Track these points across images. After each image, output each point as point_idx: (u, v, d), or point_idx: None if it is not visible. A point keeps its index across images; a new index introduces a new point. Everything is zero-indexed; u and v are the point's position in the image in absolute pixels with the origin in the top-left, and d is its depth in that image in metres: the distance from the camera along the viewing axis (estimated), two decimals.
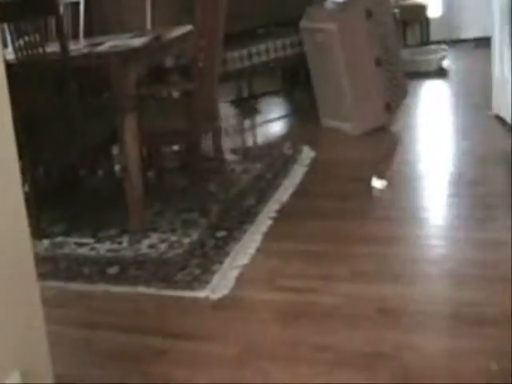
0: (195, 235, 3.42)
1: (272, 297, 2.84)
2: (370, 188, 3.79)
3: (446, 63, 6.78)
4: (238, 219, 3.58)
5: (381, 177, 3.83)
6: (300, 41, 5.39)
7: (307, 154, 4.51)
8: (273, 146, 4.92)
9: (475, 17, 7.42)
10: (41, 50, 3.37)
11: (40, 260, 3.26)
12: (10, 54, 3.36)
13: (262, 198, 3.83)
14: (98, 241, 3.50)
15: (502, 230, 3.12)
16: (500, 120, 4.61)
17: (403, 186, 3.88)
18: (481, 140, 4.49)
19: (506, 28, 4.37)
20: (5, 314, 1.77)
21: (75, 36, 4.57)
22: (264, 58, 5.60)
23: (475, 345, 2.32)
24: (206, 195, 3.82)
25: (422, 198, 3.78)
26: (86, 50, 3.63)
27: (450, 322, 2.53)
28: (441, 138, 4.71)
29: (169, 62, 4.84)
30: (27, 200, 1.94)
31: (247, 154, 4.70)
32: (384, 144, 4.64)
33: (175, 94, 4.49)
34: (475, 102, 5.31)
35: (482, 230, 3.17)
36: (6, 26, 3.33)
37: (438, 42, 7.54)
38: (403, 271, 2.91)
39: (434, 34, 7.83)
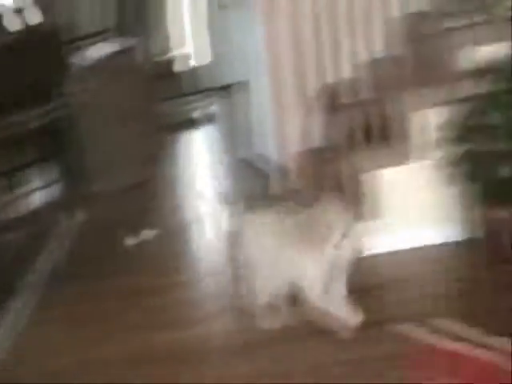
0: None
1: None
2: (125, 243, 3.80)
3: (205, 111, 6.88)
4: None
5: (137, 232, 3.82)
6: (63, 105, 5.23)
7: (76, 217, 4.44)
8: (37, 214, 4.83)
9: (235, 63, 7.61)
10: None
11: None
12: None
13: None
14: None
15: None
16: (261, 158, 4.70)
17: (164, 237, 3.90)
18: (240, 181, 4.57)
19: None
20: None
21: None
22: (27, 126, 5.33)
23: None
24: None
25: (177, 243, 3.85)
26: None
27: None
28: (197, 185, 4.80)
29: None
30: None
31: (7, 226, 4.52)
32: (142, 198, 4.58)
33: None
34: (235, 145, 5.43)
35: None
36: None
37: (200, 91, 7.61)
38: (172, 316, 2.98)
39: (199, 83, 7.90)
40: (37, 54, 5.26)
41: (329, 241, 2.44)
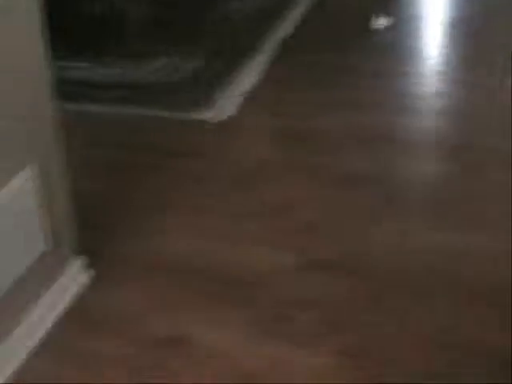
0: (198, 62, 3.38)
1: (272, 121, 2.91)
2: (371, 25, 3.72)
3: None
4: (246, 45, 3.52)
5: (381, 15, 3.77)
6: None
7: None
8: None
9: None
10: None
11: None
12: None
13: (269, 27, 3.71)
14: (102, 65, 3.42)
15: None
16: None
17: (404, 25, 3.81)
18: None
19: None
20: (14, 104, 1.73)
21: None
22: None
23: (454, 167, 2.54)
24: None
25: (421, 38, 3.78)
26: None
27: (432, 148, 2.72)
28: None
29: None
30: None
31: None
32: None
33: None
34: None
35: (472, 73, 3.22)
36: None
37: None
38: (398, 104, 3.01)
39: None
40: None
41: None
